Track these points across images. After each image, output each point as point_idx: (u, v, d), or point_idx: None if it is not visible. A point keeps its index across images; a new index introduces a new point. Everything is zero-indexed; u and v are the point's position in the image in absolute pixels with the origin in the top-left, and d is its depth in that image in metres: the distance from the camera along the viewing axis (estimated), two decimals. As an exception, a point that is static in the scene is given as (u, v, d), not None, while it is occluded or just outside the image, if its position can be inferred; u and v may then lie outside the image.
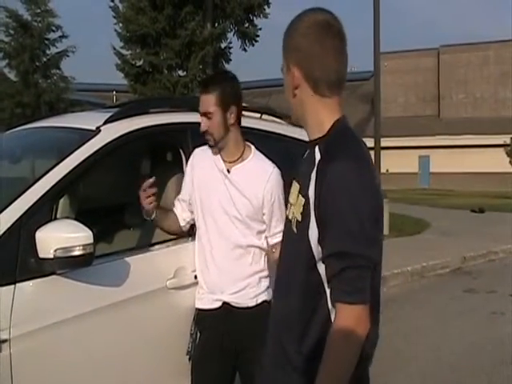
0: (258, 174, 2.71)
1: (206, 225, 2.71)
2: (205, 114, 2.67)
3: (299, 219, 1.63)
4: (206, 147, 2.80)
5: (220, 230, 2.68)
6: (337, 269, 1.54)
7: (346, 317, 1.54)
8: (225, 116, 2.67)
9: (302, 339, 1.64)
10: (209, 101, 2.66)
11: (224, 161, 2.72)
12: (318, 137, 1.67)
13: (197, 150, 2.82)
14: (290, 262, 1.71)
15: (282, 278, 1.78)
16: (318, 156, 1.62)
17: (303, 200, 1.61)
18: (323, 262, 1.58)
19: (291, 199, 1.72)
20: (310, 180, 1.59)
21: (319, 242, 1.57)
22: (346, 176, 1.53)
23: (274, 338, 1.76)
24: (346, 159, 1.56)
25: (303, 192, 1.62)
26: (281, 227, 2.74)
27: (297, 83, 1.69)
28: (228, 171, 2.70)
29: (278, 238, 2.75)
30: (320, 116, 1.68)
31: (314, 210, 1.56)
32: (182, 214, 2.81)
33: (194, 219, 2.81)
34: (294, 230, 1.66)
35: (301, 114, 1.73)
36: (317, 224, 1.57)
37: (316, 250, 1.59)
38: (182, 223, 2.82)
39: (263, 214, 2.70)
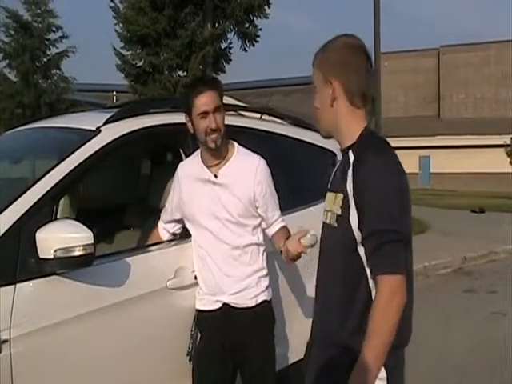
0: (246, 169, 2.70)
1: (200, 232, 2.71)
2: (215, 110, 2.63)
3: (339, 213, 1.88)
4: (189, 159, 2.82)
5: (215, 236, 2.67)
6: (374, 245, 1.79)
7: (386, 287, 1.76)
8: (224, 113, 2.69)
9: (345, 317, 1.86)
10: (216, 96, 2.65)
11: (208, 166, 2.70)
12: (349, 144, 1.93)
13: (180, 165, 2.83)
14: (330, 255, 1.95)
15: (321, 272, 2.01)
16: (352, 158, 1.89)
17: (341, 195, 1.88)
18: (363, 245, 1.83)
19: (327, 207, 1.97)
20: (347, 177, 1.86)
21: (359, 227, 1.82)
22: (375, 171, 1.81)
23: (316, 324, 2.00)
24: (375, 158, 1.84)
25: (340, 188, 1.89)
26: (278, 215, 2.76)
27: (335, 95, 1.92)
28: (215, 176, 2.68)
29: (279, 224, 2.76)
30: (352, 125, 1.94)
31: (354, 201, 1.83)
32: (166, 227, 2.88)
33: (180, 227, 2.86)
34: (335, 224, 1.90)
35: (334, 124, 1.96)
36: (357, 212, 1.83)
37: (357, 234, 1.84)
38: (167, 236, 2.88)
39: (257, 208, 2.70)
